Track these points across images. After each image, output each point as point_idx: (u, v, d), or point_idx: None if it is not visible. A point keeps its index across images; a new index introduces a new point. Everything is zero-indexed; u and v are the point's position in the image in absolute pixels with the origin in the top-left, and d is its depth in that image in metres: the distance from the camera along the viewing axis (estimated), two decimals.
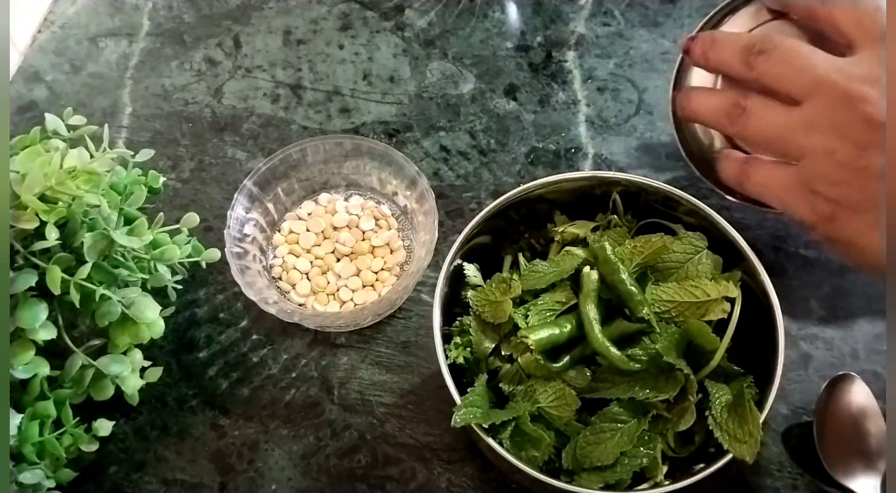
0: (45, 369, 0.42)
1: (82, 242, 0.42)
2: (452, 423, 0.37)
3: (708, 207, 0.43)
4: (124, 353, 0.46)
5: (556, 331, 0.39)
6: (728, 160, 0.45)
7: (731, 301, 0.40)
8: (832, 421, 0.47)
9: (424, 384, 0.51)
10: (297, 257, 0.55)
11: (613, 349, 0.39)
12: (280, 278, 0.55)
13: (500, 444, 0.38)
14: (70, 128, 0.49)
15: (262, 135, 0.63)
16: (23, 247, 0.41)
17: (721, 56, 0.42)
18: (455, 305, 0.45)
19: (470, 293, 0.43)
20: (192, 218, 0.52)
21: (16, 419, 0.41)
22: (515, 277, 0.43)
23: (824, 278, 0.54)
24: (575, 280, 0.42)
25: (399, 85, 0.65)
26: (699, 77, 0.48)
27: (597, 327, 0.39)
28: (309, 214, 0.57)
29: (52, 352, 0.43)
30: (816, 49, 0.39)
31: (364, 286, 0.54)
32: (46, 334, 0.41)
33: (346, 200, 0.59)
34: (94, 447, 0.46)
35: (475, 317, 0.43)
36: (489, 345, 0.42)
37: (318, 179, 0.58)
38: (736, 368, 0.40)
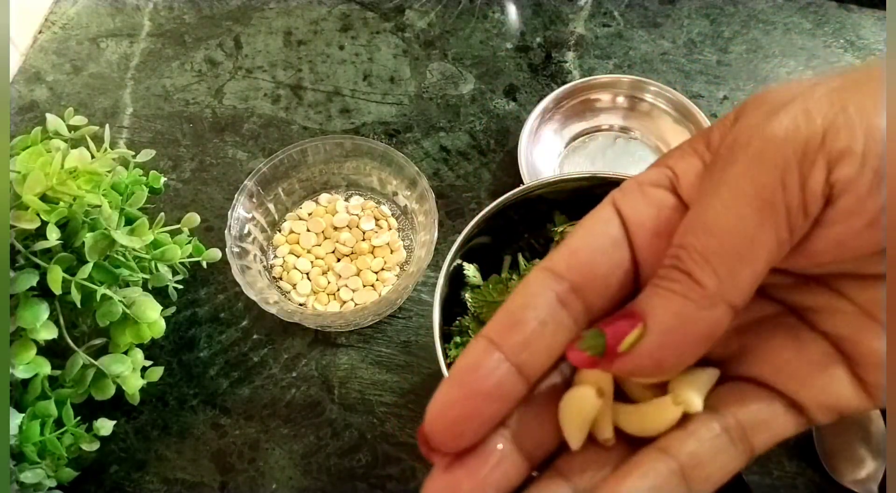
0: (46, 368, 0.42)
1: (83, 242, 0.42)
2: None
3: None
4: (125, 352, 0.46)
5: None
6: None
7: None
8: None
9: (424, 384, 0.51)
10: (298, 256, 0.55)
11: None
12: (280, 278, 0.55)
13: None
14: (71, 128, 0.49)
15: (262, 135, 0.63)
16: (24, 247, 0.41)
17: None
18: (455, 305, 0.45)
19: (468, 295, 0.44)
20: (193, 218, 0.52)
21: (17, 418, 0.41)
22: (515, 277, 0.43)
23: None
24: None
25: (399, 85, 0.66)
26: None
27: None
28: (309, 215, 0.58)
29: (53, 352, 0.43)
30: None
31: (364, 286, 0.54)
32: (47, 333, 0.41)
33: (346, 200, 0.59)
34: (95, 446, 0.46)
35: (474, 318, 0.43)
36: None
37: (319, 180, 0.58)
38: None
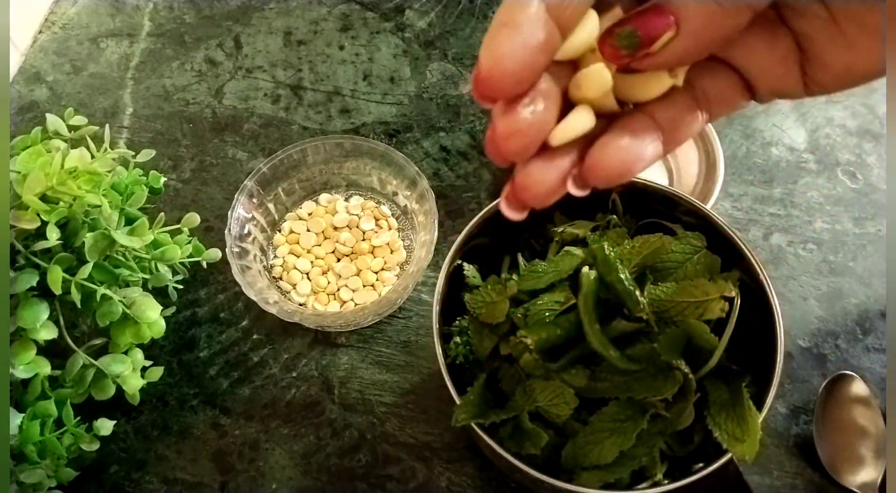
0: (46, 368, 0.42)
1: (83, 242, 0.42)
2: (452, 422, 0.37)
3: (706, 207, 0.43)
4: (125, 352, 0.46)
5: (555, 331, 0.40)
6: None
7: (730, 301, 0.40)
8: (831, 421, 0.47)
9: (424, 384, 0.51)
10: (298, 256, 0.55)
11: (612, 349, 0.39)
12: (280, 278, 0.55)
13: (500, 443, 0.38)
14: (71, 128, 0.49)
15: (262, 135, 0.63)
16: (24, 247, 0.41)
17: None
18: (455, 305, 0.45)
19: (467, 296, 0.44)
20: (193, 218, 0.52)
21: (17, 418, 0.41)
22: (514, 277, 0.43)
23: (823, 277, 0.55)
24: (574, 280, 0.42)
25: (399, 85, 0.66)
26: None
27: (595, 327, 0.39)
28: (309, 215, 0.58)
29: (53, 352, 0.43)
30: None
31: (364, 286, 0.54)
32: (47, 333, 0.41)
33: (346, 200, 0.59)
34: (95, 446, 0.46)
35: (472, 319, 0.43)
36: (488, 345, 0.42)
37: (319, 180, 0.58)
38: (735, 367, 0.40)
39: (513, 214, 0.23)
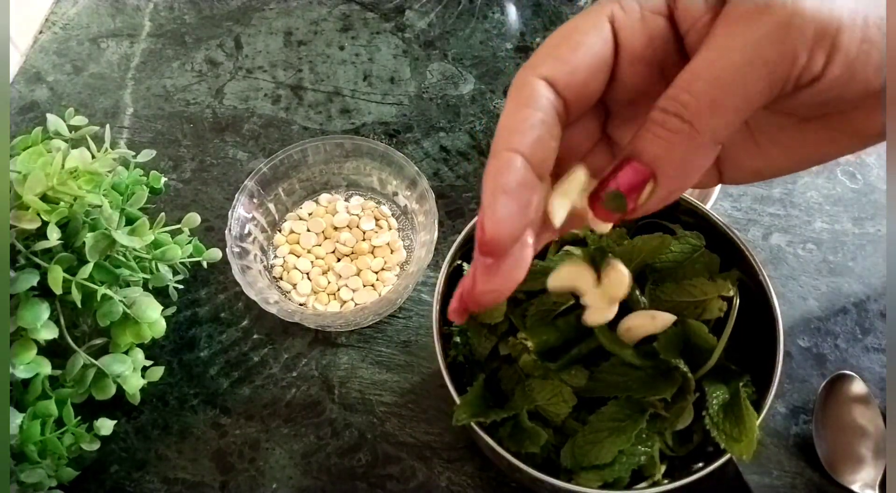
0: (46, 368, 0.42)
1: (84, 242, 0.42)
2: (452, 422, 0.38)
3: (706, 207, 0.43)
4: (126, 352, 0.46)
5: (555, 333, 0.40)
6: None
7: (729, 300, 0.40)
8: (831, 421, 0.48)
9: (424, 384, 0.51)
10: (298, 256, 0.56)
11: (625, 347, 0.39)
12: (281, 278, 0.55)
13: (499, 442, 0.38)
14: (72, 128, 0.50)
15: (262, 135, 0.63)
16: (24, 247, 0.41)
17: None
18: None
19: None
20: (194, 218, 0.52)
21: (17, 418, 0.41)
22: None
23: (823, 277, 0.55)
24: None
25: (399, 86, 0.66)
26: None
27: (603, 326, 0.39)
28: (310, 215, 0.58)
29: (54, 351, 0.43)
30: None
31: (364, 286, 0.54)
32: (48, 333, 0.42)
33: (346, 200, 0.59)
34: (96, 446, 0.46)
35: (472, 319, 0.43)
36: (487, 346, 0.42)
37: (319, 180, 0.58)
38: (734, 367, 0.40)
39: (459, 320, 0.25)
